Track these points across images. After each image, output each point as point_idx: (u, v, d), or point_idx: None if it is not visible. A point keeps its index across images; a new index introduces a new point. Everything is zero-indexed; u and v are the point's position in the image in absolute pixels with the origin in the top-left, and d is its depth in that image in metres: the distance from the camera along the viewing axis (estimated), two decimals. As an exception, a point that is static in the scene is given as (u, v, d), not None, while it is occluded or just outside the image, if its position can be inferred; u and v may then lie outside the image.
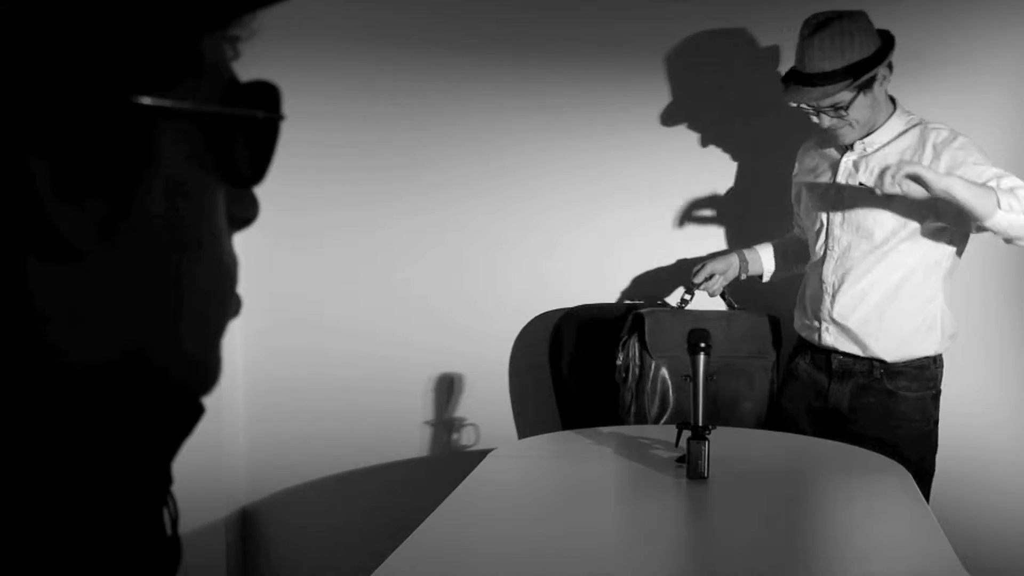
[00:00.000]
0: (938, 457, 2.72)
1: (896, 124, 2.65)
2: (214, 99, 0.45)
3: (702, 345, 2.17)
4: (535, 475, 2.32)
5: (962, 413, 2.93)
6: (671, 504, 2.08)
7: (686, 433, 2.16)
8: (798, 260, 2.94)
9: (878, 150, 2.64)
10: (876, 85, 2.56)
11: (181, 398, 0.46)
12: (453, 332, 3.34)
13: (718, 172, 3.18)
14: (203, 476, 3.11)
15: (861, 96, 2.55)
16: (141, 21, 0.40)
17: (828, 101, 2.54)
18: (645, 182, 3.23)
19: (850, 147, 2.68)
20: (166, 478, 0.47)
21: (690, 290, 2.96)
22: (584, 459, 2.39)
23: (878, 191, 2.40)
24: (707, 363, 2.18)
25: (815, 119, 2.61)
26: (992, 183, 2.42)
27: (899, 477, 2.25)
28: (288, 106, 0.48)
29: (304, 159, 3.27)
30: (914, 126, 2.64)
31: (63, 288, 0.40)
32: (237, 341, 3.35)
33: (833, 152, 2.73)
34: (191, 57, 0.43)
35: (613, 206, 3.24)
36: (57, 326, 0.40)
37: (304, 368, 3.42)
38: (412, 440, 3.41)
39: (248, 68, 0.47)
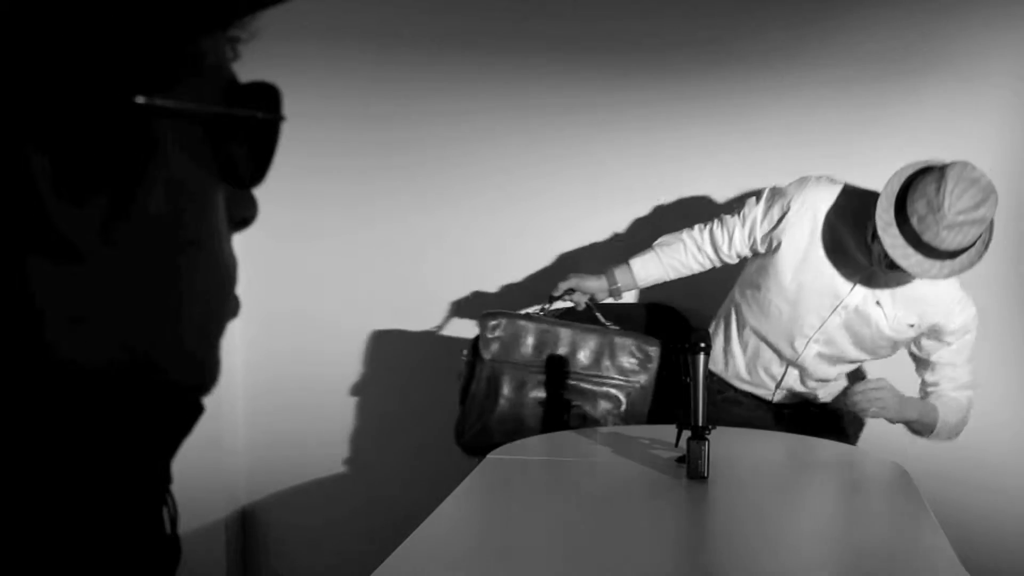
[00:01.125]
0: (939, 457, 2.75)
1: None
2: (215, 100, 0.45)
3: (701, 345, 2.17)
4: (535, 475, 2.32)
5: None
6: (671, 504, 2.08)
7: (686, 433, 2.16)
8: (673, 276, 2.77)
9: (915, 288, 2.49)
10: None
11: (180, 398, 0.46)
12: (453, 332, 3.34)
13: (719, 173, 3.18)
14: (203, 476, 3.11)
15: None
16: (142, 22, 0.40)
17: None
18: (645, 182, 3.23)
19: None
20: (165, 477, 0.47)
21: (551, 300, 2.77)
22: (584, 459, 2.39)
23: (843, 403, 2.52)
24: (706, 363, 2.17)
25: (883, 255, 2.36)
26: (949, 384, 2.58)
27: (899, 477, 2.25)
28: (288, 106, 0.48)
29: (304, 159, 3.26)
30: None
31: (64, 287, 0.40)
32: (237, 341, 3.34)
33: (859, 257, 2.50)
34: (192, 58, 0.43)
35: (613, 206, 3.24)
36: (58, 325, 0.40)
37: (303, 367, 3.42)
38: (412, 440, 3.41)
39: (248, 69, 0.48)
